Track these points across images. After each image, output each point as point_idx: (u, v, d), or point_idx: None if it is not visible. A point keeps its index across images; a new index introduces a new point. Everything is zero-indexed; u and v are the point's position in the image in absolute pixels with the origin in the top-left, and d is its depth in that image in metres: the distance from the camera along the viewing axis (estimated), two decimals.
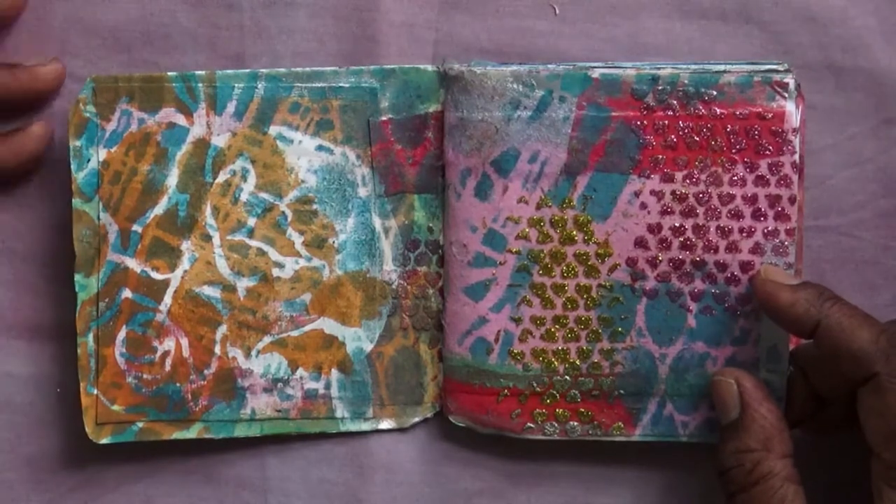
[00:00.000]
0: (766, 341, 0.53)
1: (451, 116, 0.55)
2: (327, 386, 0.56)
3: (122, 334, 0.55)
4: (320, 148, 0.56)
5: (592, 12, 0.57)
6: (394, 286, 0.56)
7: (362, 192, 0.56)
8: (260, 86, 0.55)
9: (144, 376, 0.55)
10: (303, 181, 0.55)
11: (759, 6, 0.56)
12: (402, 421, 0.56)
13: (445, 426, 0.56)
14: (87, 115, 0.54)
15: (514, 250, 0.54)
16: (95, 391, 0.55)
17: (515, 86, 0.53)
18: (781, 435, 0.49)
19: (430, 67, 0.55)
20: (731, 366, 0.53)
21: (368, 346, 0.56)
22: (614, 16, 0.57)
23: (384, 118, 0.56)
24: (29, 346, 0.57)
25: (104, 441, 0.55)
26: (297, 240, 0.56)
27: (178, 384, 0.55)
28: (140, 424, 0.55)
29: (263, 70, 0.55)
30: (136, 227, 0.55)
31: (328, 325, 0.56)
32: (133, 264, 0.55)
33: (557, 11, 0.57)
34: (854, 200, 0.56)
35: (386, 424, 0.56)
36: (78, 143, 0.54)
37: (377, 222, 0.56)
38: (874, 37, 0.56)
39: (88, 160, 0.54)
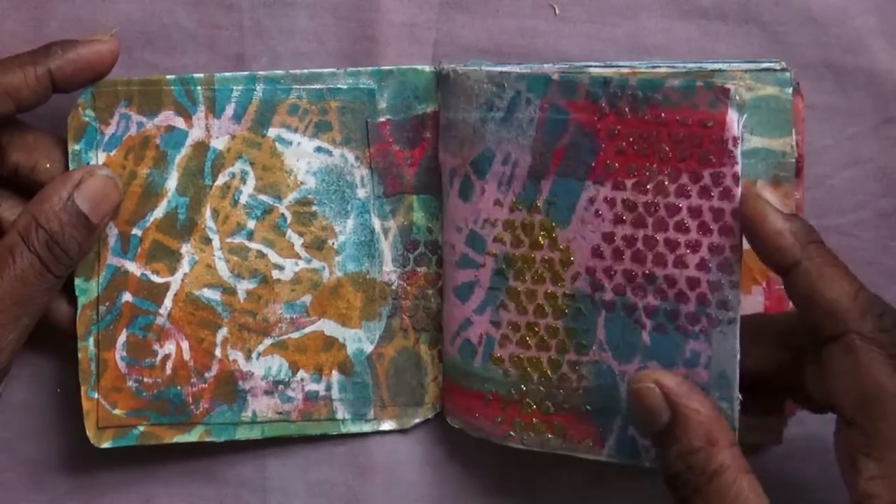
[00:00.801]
0: (715, 365, 0.49)
1: (441, 117, 0.55)
2: (328, 388, 0.56)
3: (122, 338, 0.55)
4: (319, 149, 0.55)
5: (592, 12, 0.57)
6: (393, 287, 0.56)
7: (361, 193, 0.56)
8: (258, 88, 0.55)
9: (145, 380, 0.55)
10: (302, 183, 0.55)
11: (759, 6, 0.56)
12: (403, 422, 0.56)
13: (445, 427, 0.56)
14: (86, 119, 0.54)
15: (492, 253, 0.53)
16: (96, 395, 0.55)
17: (489, 87, 0.52)
18: (720, 424, 0.46)
19: (427, 68, 0.55)
20: None
21: (369, 348, 0.56)
22: (614, 16, 0.57)
23: (382, 119, 0.55)
24: (29, 347, 0.57)
25: (105, 445, 0.55)
26: (297, 241, 0.56)
27: (178, 387, 0.55)
28: (141, 428, 0.55)
29: (261, 72, 0.55)
30: (136, 231, 0.55)
31: (328, 326, 0.56)
32: (133, 268, 0.55)
33: (557, 11, 0.57)
34: (854, 200, 0.56)
35: (387, 426, 0.56)
36: (77, 148, 0.54)
37: (376, 223, 0.56)
38: (874, 37, 0.56)
39: (87, 164, 0.54)
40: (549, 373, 0.52)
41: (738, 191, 0.48)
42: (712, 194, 0.48)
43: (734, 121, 0.48)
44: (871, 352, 0.44)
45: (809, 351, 0.48)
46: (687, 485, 0.46)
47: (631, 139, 0.50)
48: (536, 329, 0.52)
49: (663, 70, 0.53)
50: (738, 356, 0.48)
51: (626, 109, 0.50)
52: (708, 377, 0.49)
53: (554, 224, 0.52)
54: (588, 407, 0.52)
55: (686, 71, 0.53)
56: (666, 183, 0.49)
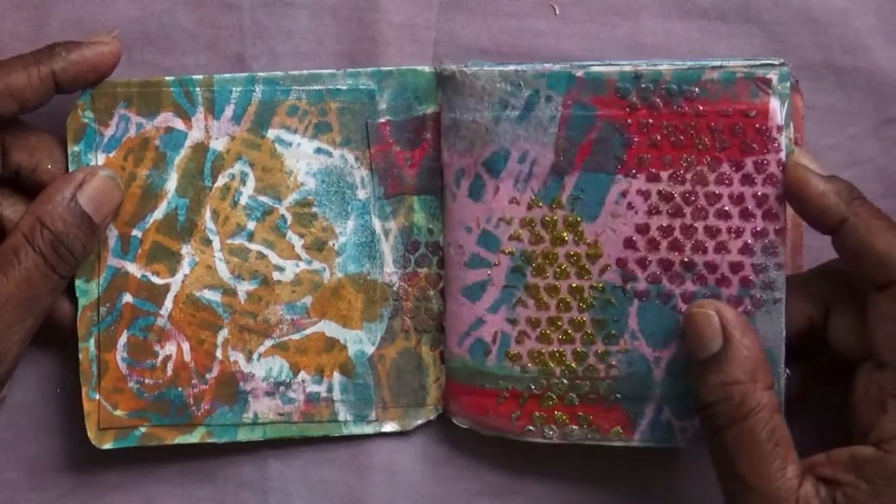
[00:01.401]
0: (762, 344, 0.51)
1: (445, 117, 0.54)
2: (329, 389, 0.56)
3: (123, 339, 0.55)
4: (319, 150, 0.55)
5: (592, 12, 0.57)
6: (394, 288, 0.56)
7: (361, 194, 0.56)
8: (258, 89, 0.55)
9: (146, 381, 0.55)
10: (302, 184, 0.55)
11: (759, 6, 0.56)
12: (404, 423, 0.56)
13: (446, 427, 0.56)
14: (86, 120, 0.54)
15: (508, 251, 0.54)
16: (97, 396, 0.55)
17: (504, 86, 0.53)
18: (764, 366, 0.48)
19: (427, 68, 0.55)
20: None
21: (370, 349, 0.56)
22: (614, 16, 0.57)
23: (382, 120, 0.55)
24: (30, 347, 0.57)
25: (107, 446, 0.55)
26: (297, 243, 0.55)
27: (179, 388, 0.55)
28: (143, 429, 0.55)
29: (261, 73, 0.55)
30: (136, 232, 0.55)
31: (329, 327, 0.56)
32: (133, 269, 0.55)
33: (557, 11, 0.57)
34: None
35: (389, 427, 0.56)
36: (76, 149, 0.54)
37: (377, 224, 0.56)
38: (874, 37, 0.56)
39: (88, 165, 0.54)
40: (573, 365, 0.54)
41: (783, 176, 0.50)
42: (755, 181, 0.51)
43: (777, 109, 0.51)
44: None
45: (837, 304, 0.51)
46: (721, 415, 0.48)
47: (666, 132, 0.52)
48: (559, 323, 0.54)
49: (663, 67, 0.53)
50: (784, 334, 0.51)
51: (660, 103, 0.52)
52: None
53: (580, 219, 0.53)
54: (618, 395, 0.53)
55: (687, 67, 0.53)
56: (705, 172, 0.52)
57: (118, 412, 0.55)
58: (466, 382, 0.55)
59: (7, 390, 0.53)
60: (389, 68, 0.55)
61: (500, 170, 0.53)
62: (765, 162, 0.51)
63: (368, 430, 0.56)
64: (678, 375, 0.53)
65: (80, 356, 0.55)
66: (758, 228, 0.51)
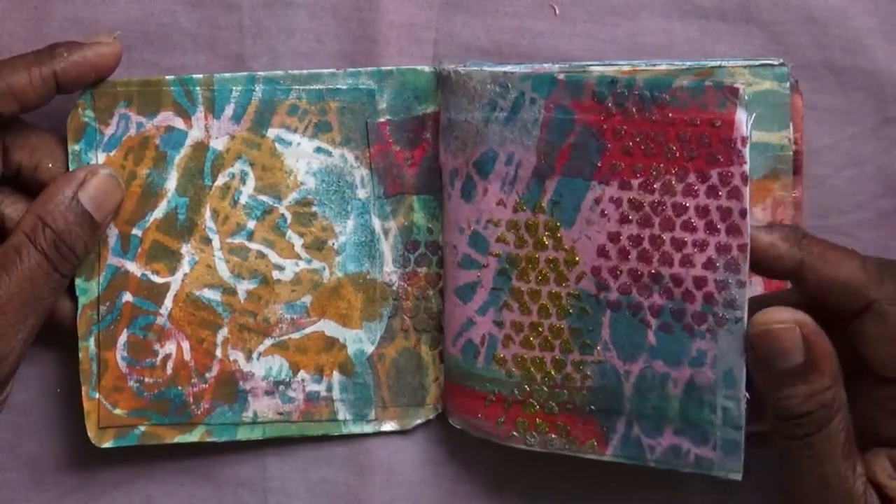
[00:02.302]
0: (722, 364, 0.49)
1: (442, 117, 0.54)
2: (329, 388, 0.56)
3: (123, 338, 0.55)
4: (319, 150, 0.55)
5: (592, 12, 0.57)
6: (394, 287, 0.56)
7: (361, 193, 0.56)
8: (258, 88, 0.55)
9: (146, 380, 0.55)
10: (302, 183, 0.55)
11: (759, 6, 0.56)
12: (404, 423, 0.56)
13: (446, 427, 0.56)
14: (86, 119, 0.54)
15: (495, 253, 0.53)
16: (97, 395, 0.55)
17: (493, 87, 0.52)
18: (837, 361, 0.47)
19: (427, 68, 0.55)
20: (691, 390, 0.50)
21: (370, 348, 0.56)
22: (614, 16, 0.57)
23: (382, 119, 0.55)
24: (30, 346, 0.57)
25: (106, 445, 0.55)
26: (297, 242, 0.56)
27: (179, 387, 0.55)
28: (142, 428, 0.55)
29: (261, 73, 0.55)
30: (136, 231, 0.55)
31: (329, 327, 0.56)
32: (133, 268, 0.55)
33: (557, 11, 0.57)
34: (854, 200, 0.56)
35: (388, 426, 0.56)
36: (77, 148, 0.54)
37: (377, 224, 0.56)
38: (874, 37, 0.56)
39: (89, 164, 0.54)
40: (552, 373, 0.52)
41: (747, 190, 0.48)
42: (720, 194, 0.49)
43: (743, 120, 0.48)
44: None
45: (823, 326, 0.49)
46: (814, 422, 0.47)
47: (638, 139, 0.50)
48: (540, 329, 0.52)
49: (663, 67, 0.53)
50: (745, 354, 0.48)
51: (634, 109, 0.50)
52: (714, 376, 0.49)
53: (559, 224, 0.52)
54: (592, 407, 0.52)
55: (686, 67, 0.53)
56: (673, 182, 0.50)
57: (118, 411, 0.55)
58: (459, 383, 0.55)
59: (10, 389, 0.53)
60: (389, 68, 0.55)
61: (488, 171, 0.53)
62: (729, 174, 0.49)
63: (368, 429, 0.56)
64: (646, 391, 0.51)
65: (80, 355, 0.55)
66: (721, 243, 0.49)
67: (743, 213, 0.48)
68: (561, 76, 0.51)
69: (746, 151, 0.49)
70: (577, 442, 0.52)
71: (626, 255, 0.51)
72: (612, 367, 0.51)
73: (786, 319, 0.47)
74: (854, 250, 0.48)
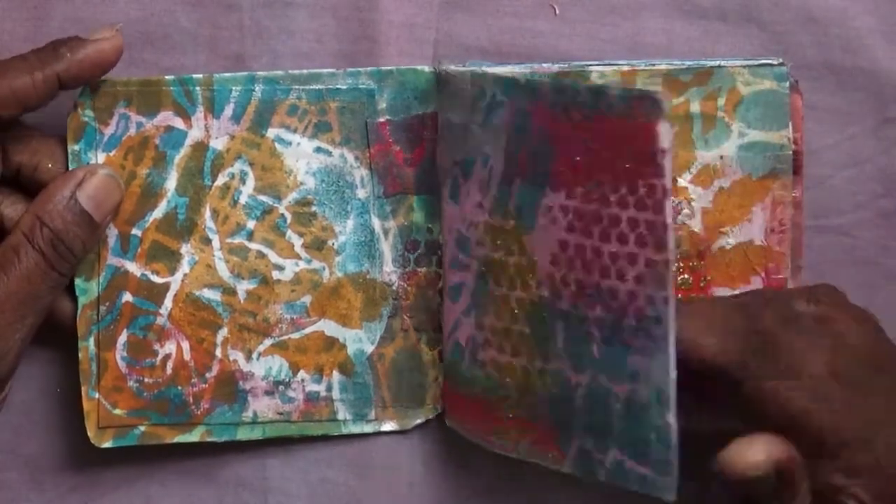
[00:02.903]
0: (653, 382, 0.47)
1: (439, 117, 0.55)
2: (329, 388, 0.56)
3: (122, 338, 0.55)
4: (319, 150, 0.55)
5: (593, 12, 0.57)
6: (394, 287, 0.56)
7: (361, 193, 0.56)
8: (257, 88, 0.55)
9: (146, 380, 0.55)
10: (301, 183, 0.55)
11: (759, 6, 0.56)
12: (404, 423, 0.56)
13: (445, 427, 0.56)
14: (86, 119, 0.54)
15: (476, 255, 0.53)
16: (97, 395, 0.55)
17: (473, 89, 0.52)
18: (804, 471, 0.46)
19: (427, 68, 0.55)
20: (630, 407, 0.48)
21: (369, 348, 0.56)
22: (614, 16, 0.57)
23: (382, 119, 0.55)
24: (29, 346, 0.57)
25: (106, 445, 0.55)
26: (297, 242, 0.56)
27: (179, 387, 0.55)
28: (142, 428, 0.55)
29: (261, 73, 0.55)
30: (136, 231, 0.55)
31: (329, 327, 0.56)
32: (133, 268, 0.55)
33: (557, 11, 0.57)
34: (854, 200, 0.56)
35: (388, 426, 0.56)
36: (76, 148, 0.54)
37: (376, 224, 0.56)
38: (874, 37, 0.56)
39: (88, 164, 0.54)
40: (521, 379, 0.51)
41: (668, 203, 0.46)
42: (647, 206, 0.47)
43: (664, 133, 0.46)
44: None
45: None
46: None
47: (582, 147, 0.48)
48: (510, 334, 0.52)
49: (663, 67, 0.53)
50: (674, 374, 0.46)
51: (579, 117, 0.48)
52: (648, 394, 0.47)
53: (522, 230, 0.51)
54: (552, 416, 0.50)
55: (686, 67, 0.53)
56: (607, 193, 0.48)
57: (118, 411, 0.55)
58: (451, 384, 0.55)
59: (9, 389, 0.53)
60: (389, 68, 0.55)
61: (470, 173, 0.53)
62: (653, 186, 0.46)
63: (368, 429, 0.56)
64: (593, 404, 0.49)
65: (80, 355, 0.55)
66: (649, 258, 0.47)
67: (664, 228, 0.46)
68: (521, 79, 0.50)
69: (667, 164, 0.46)
70: (541, 451, 0.51)
71: (573, 264, 0.49)
72: (566, 379, 0.50)
73: (759, 464, 0.45)
74: (722, 312, 0.48)
